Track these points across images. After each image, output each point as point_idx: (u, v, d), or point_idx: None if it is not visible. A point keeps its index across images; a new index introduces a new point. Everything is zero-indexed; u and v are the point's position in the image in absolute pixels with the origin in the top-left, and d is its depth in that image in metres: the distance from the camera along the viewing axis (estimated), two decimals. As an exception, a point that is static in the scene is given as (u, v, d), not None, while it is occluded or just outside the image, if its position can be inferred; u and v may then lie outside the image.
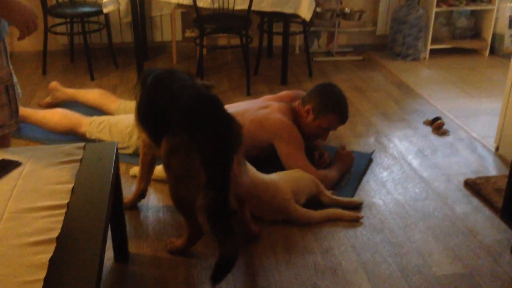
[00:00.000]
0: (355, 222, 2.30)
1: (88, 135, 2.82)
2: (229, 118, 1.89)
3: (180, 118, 1.87)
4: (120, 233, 1.97)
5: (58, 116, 2.91)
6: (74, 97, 3.28)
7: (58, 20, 4.05)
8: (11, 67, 1.88)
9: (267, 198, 2.24)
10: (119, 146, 2.68)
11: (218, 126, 1.82)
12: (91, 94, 3.23)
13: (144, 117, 2.10)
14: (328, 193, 2.40)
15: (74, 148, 1.81)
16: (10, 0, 1.64)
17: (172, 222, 2.27)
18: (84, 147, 1.81)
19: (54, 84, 3.32)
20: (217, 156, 1.77)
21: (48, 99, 3.32)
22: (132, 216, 2.31)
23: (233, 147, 1.83)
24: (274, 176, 2.34)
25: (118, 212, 1.92)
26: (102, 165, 1.73)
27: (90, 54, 3.90)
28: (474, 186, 2.57)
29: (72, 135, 2.88)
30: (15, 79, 2.14)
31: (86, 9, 3.88)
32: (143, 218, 2.32)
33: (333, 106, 2.63)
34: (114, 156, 1.78)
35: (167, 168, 1.91)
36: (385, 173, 2.72)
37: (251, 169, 2.22)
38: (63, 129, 2.88)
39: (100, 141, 2.74)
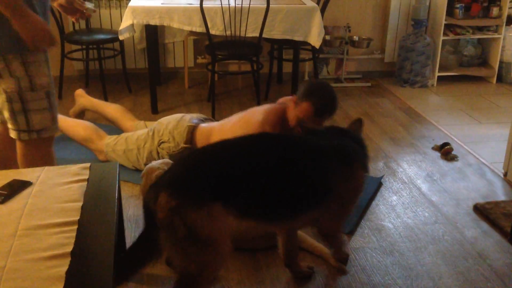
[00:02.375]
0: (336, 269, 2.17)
1: (105, 148, 2.95)
2: None
3: None
4: (120, 250, 2.00)
5: (82, 126, 3.06)
6: (96, 106, 3.40)
7: (74, 47, 4.17)
8: (51, 76, 2.04)
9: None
10: (133, 157, 2.89)
11: None
12: (112, 108, 3.37)
13: None
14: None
15: (80, 169, 1.88)
16: (23, 14, 1.79)
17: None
18: (89, 168, 1.88)
19: (79, 91, 3.48)
20: None
21: (74, 108, 3.45)
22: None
23: None
24: None
25: (120, 229, 1.97)
26: (107, 184, 1.81)
27: (104, 79, 4.00)
28: (483, 211, 2.58)
29: (87, 146, 3.02)
30: None
31: (102, 36, 4.00)
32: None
33: (310, 93, 2.49)
34: (117, 175, 1.85)
35: None
36: (394, 197, 2.74)
37: None
38: (82, 138, 3.02)
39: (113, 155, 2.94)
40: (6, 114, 1.99)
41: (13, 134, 2.02)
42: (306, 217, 1.84)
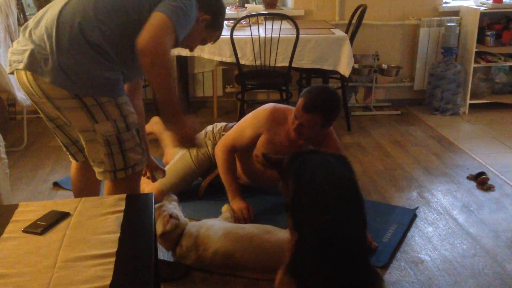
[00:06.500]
0: None
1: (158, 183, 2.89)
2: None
3: None
4: (157, 283, 1.99)
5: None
6: (160, 135, 3.51)
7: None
8: None
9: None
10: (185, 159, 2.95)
11: None
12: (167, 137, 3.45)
13: None
14: None
15: (116, 200, 1.88)
16: (182, 122, 1.96)
17: (202, 274, 2.28)
18: (125, 198, 1.88)
19: (156, 118, 3.61)
20: None
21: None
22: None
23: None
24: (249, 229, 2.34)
25: (155, 260, 1.95)
26: (143, 215, 1.80)
27: (135, 109, 4.06)
28: (524, 243, 2.49)
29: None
30: None
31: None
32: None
33: (304, 92, 2.51)
34: (153, 206, 1.84)
35: None
36: (430, 228, 2.67)
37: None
38: None
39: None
40: (101, 157, 1.95)
41: (106, 176, 1.97)
42: None
